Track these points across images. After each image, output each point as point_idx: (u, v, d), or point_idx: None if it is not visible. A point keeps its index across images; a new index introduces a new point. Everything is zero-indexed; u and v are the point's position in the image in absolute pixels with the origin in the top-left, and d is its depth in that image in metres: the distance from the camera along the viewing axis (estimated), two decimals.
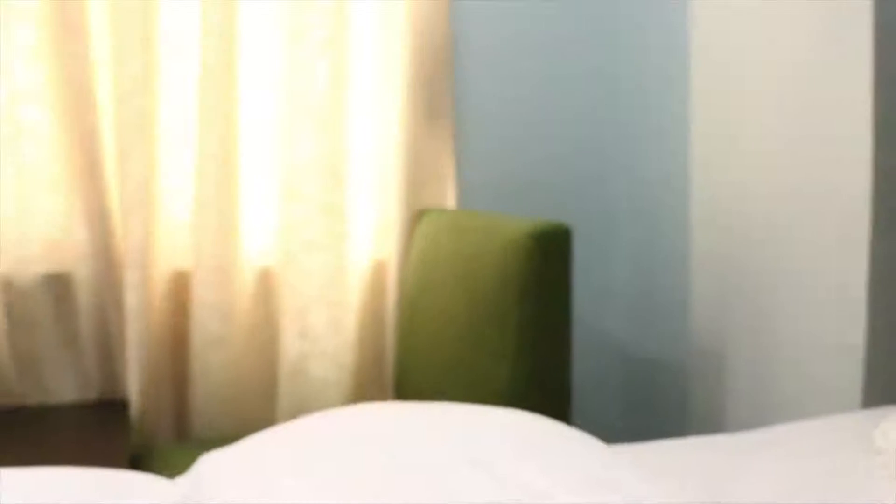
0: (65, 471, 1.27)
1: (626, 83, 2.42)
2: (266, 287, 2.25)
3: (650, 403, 2.33)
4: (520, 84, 2.41)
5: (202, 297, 2.17)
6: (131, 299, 2.13)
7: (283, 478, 1.08)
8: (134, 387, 2.14)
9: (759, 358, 1.96)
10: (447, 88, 2.30)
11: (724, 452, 1.37)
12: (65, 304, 2.20)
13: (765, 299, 1.94)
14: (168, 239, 2.23)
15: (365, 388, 2.25)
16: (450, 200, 2.30)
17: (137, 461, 1.99)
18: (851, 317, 1.68)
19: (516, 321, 1.78)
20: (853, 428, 1.40)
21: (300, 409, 2.14)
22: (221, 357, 2.19)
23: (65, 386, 2.20)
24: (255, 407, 2.22)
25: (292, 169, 2.21)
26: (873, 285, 1.66)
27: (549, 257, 1.77)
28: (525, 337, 1.78)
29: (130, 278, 2.13)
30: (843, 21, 1.72)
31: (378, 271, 2.28)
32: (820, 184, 1.78)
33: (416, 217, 2.25)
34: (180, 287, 2.23)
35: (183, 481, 1.24)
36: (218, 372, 2.20)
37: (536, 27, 2.40)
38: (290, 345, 2.20)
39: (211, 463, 1.19)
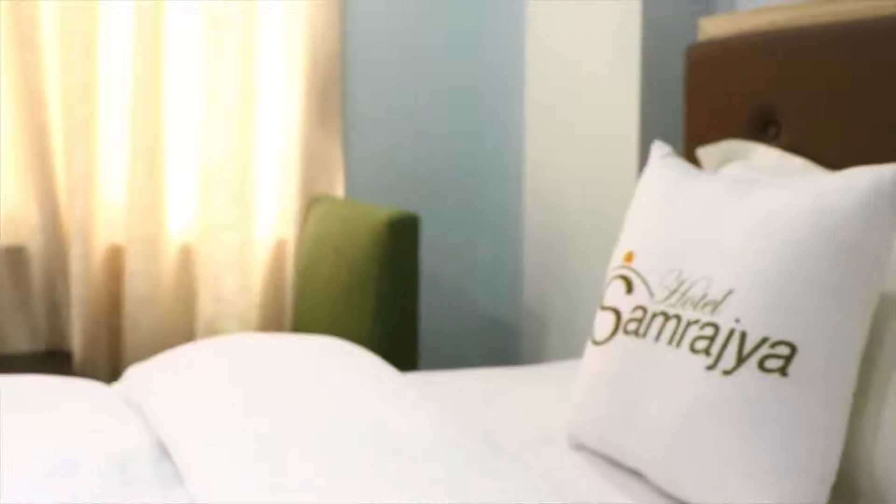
0: (24, 378, 1.63)
1: (484, 92, 2.86)
2: (186, 259, 2.65)
3: (491, 353, 2.84)
4: (399, 91, 2.81)
5: (133, 266, 2.55)
6: (75, 268, 2.50)
7: (190, 376, 1.51)
8: (76, 340, 2.52)
9: (573, 317, 2.48)
10: (337, 95, 2.70)
11: (500, 381, 1.88)
12: (20, 272, 2.54)
13: (579, 270, 2.46)
14: (106, 218, 2.58)
15: None
16: (339, 190, 2.71)
17: None
18: None
19: (376, 289, 2.27)
20: None
21: None
22: (149, 316, 2.58)
23: (19, 339, 2.55)
24: None
25: (209, 161, 2.60)
26: None
27: (400, 239, 2.24)
28: (382, 301, 2.27)
29: (74, 250, 2.50)
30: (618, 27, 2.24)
31: (279, 247, 2.69)
32: (618, 171, 2.30)
33: (310, 203, 2.67)
34: (115, 258, 2.60)
35: (117, 386, 1.68)
36: (146, 328, 2.58)
37: (412, 43, 2.80)
38: (206, 307, 2.61)
39: (137, 371, 1.66)
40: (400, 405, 1.37)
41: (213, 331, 2.64)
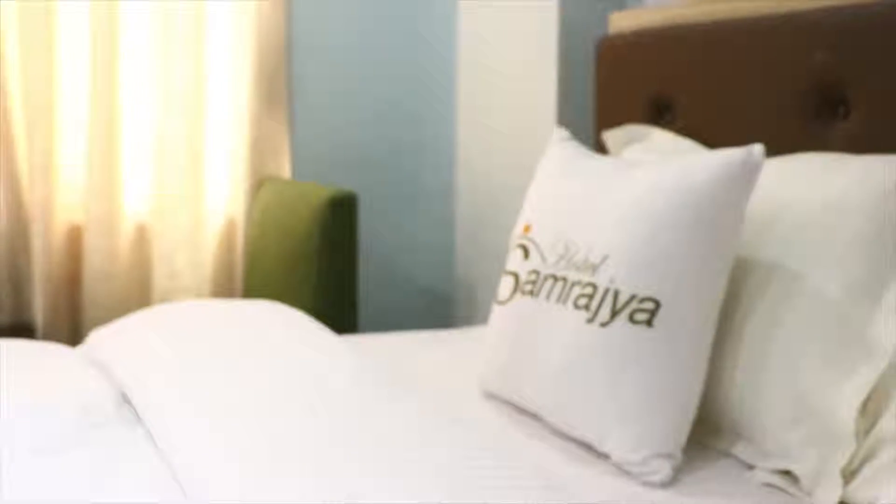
0: None
1: (419, 80, 3.06)
2: (142, 237, 2.81)
3: (425, 320, 3.05)
4: (343, 78, 3.00)
5: (92, 244, 2.71)
6: (37, 246, 2.66)
7: (149, 336, 1.68)
8: (39, 313, 2.69)
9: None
10: (283, 82, 2.89)
11: (428, 341, 2.10)
12: None
13: (505, 242, 2.68)
14: (66, 199, 2.73)
15: None
16: (285, 171, 2.91)
17: None
18: None
19: (319, 263, 2.48)
20: None
21: None
22: (107, 291, 2.75)
23: None
24: None
25: (163, 145, 2.77)
26: None
27: (340, 216, 2.45)
28: (325, 274, 2.47)
29: (36, 229, 2.66)
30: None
31: (229, 225, 2.88)
32: (538, 153, 2.50)
33: (259, 184, 2.87)
34: (75, 236, 2.76)
35: (80, 348, 1.87)
36: (104, 302, 2.75)
37: (354, 33, 2.99)
38: (160, 282, 2.80)
39: (98, 334, 1.86)
40: (333, 357, 1.58)
41: (166, 303, 2.80)
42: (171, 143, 2.80)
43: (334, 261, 2.48)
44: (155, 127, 2.80)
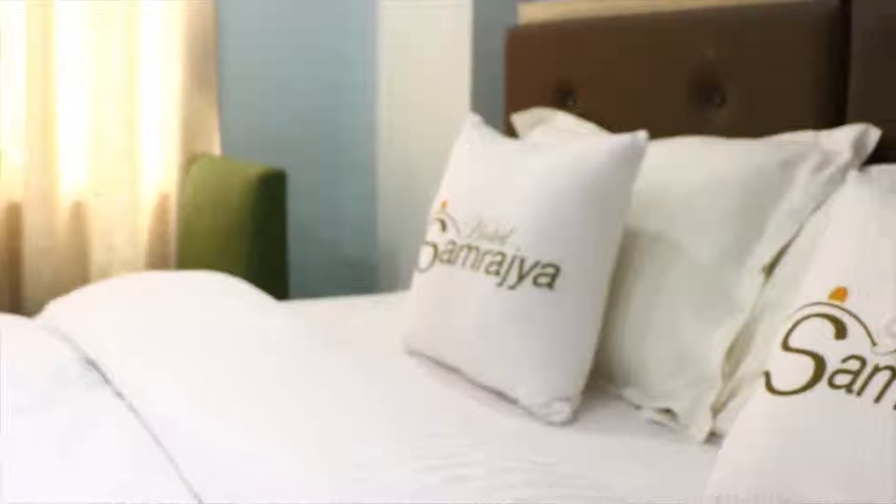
0: None
1: (343, 62, 3.25)
2: (80, 213, 2.96)
3: (352, 288, 3.25)
4: (270, 59, 3.18)
5: (32, 221, 2.86)
6: None
7: (107, 305, 1.85)
8: None
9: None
10: (213, 63, 3.06)
11: (355, 306, 2.31)
12: None
13: (424, 215, 2.89)
14: (5, 177, 2.86)
15: None
16: (215, 148, 3.08)
17: None
18: None
19: (250, 237, 2.67)
20: None
21: None
22: (47, 266, 2.90)
23: None
24: None
25: (98, 125, 2.92)
26: None
27: (270, 192, 2.64)
28: (256, 247, 2.66)
29: None
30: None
31: (163, 201, 3.04)
32: (454, 133, 2.73)
33: (190, 161, 3.03)
34: (14, 214, 2.90)
35: (38, 319, 2.03)
36: (45, 277, 2.90)
37: (280, 17, 3.16)
38: (98, 256, 2.96)
39: (57, 305, 2.02)
40: (275, 320, 1.78)
41: (105, 278, 2.95)
42: (105, 122, 2.95)
43: (265, 234, 2.67)
44: (90, 107, 2.95)
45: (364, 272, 3.27)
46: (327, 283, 3.22)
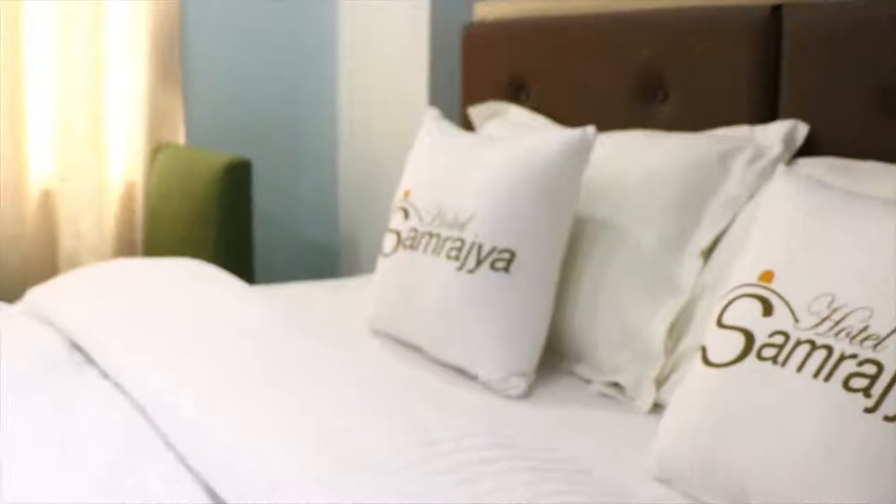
0: None
1: (305, 55, 3.34)
2: (49, 200, 3.03)
3: (314, 273, 3.37)
4: (234, 52, 3.27)
5: (2, 210, 2.90)
6: None
7: (89, 290, 1.95)
8: None
9: (380, 241, 3.04)
10: (178, 54, 3.13)
11: (321, 290, 2.43)
12: None
13: (384, 203, 3.02)
14: None
15: None
16: (180, 137, 3.16)
17: None
18: None
19: (216, 223, 2.76)
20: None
21: None
22: (16, 253, 2.96)
23: None
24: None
25: (67, 116, 2.98)
26: None
27: (236, 181, 2.74)
28: (221, 234, 2.76)
29: None
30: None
31: (130, 189, 3.12)
32: (412, 124, 2.85)
33: (156, 150, 3.11)
34: None
35: (18, 305, 2.11)
36: (13, 264, 2.96)
37: (245, 11, 3.25)
38: (67, 242, 3.03)
39: (35, 293, 2.11)
40: (249, 303, 1.89)
41: (73, 264, 3.05)
42: (73, 112, 3.02)
43: (230, 222, 2.77)
44: (58, 97, 3.01)
45: (325, 257, 3.39)
46: (290, 267, 3.32)
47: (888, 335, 1.16)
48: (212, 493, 1.26)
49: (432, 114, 2.11)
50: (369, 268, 3.09)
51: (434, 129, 2.06)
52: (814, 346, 1.22)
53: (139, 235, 3.16)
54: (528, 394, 1.75)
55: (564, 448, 1.42)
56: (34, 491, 1.28)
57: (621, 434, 1.58)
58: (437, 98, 2.75)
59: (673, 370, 1.68)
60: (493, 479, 1.11)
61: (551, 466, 1.23)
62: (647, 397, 1.68)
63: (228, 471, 1.23)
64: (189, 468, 1.32)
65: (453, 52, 2.72)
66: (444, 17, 2.75)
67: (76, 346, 1.81)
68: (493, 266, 1.77)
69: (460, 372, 1.82)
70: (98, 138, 3.06)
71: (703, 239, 1.75)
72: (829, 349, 1.20)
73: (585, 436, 1.56)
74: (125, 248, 3.15)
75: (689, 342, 1.67)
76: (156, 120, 3.14)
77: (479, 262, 1.78)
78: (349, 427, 1.25)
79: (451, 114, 2.41)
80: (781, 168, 1.49)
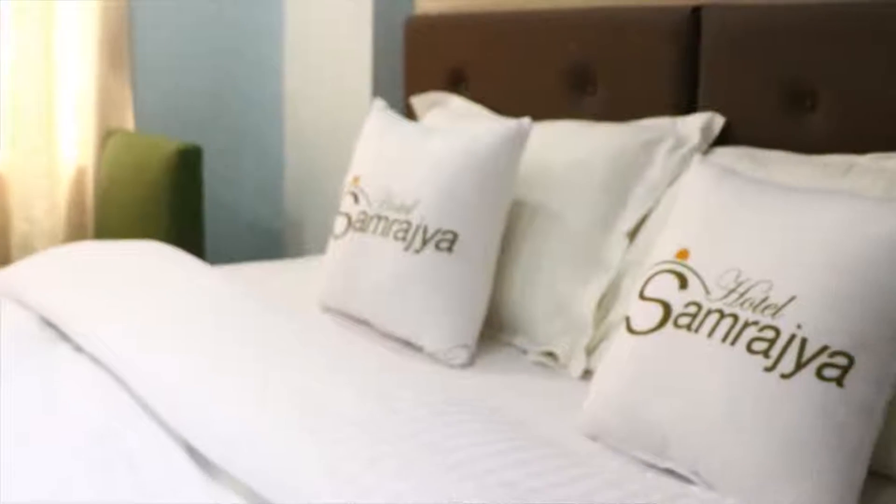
0: None
1: (251, 43, 3.47)
2: (1, 187, 3.11)
3: (261, 254, 3.50)
4: (181, 40, 3.37)
5: None
6: None
7: (55, 272, 2.06)
8: None
9: (324, 224, 3.17)
10: (126, 43, 3.24)
11: (270, 269, 2.57)
12: None
13: (327, 188, 3.17)
14: None
15: None
16: (129, 124, 3.26)
17: None
18: None
19: (168, 208, 2.88)
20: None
21: None
22: None
23: None
24: None
25: (17, 101, 3.07)
26: None
27: (187, 167, 2.86)
28: (173, 217, 2.88)
29: None
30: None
31: (81, 173, 3.22)
32: (356, 112, 3.00)
33: (106, 136, 3.21)
34: None
35: None
36: None
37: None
38: (19, 226, 3.12)
39: (1, 274, 2.23)
40: (213, 280, 2.02)
41: (26, 247, 3.15)
42: (24, 99, 3.11)
43: (182, 206, 2.89)
44: (9, 85, 3.10)
45: (271, 240, 3.52)
46: (237, 250, 3.45)
47: (784, 304, 1.34)
48: (191, 451, 1.40)
49: (379, 105, 2.26)
50: (313, 249, 3.24)
51: (381, 120, 2.21)
52: (722, 314, 1.40)
53: (90, 220, 3.26)
54: (470, 363, 1.91)
55: (505, 409, 1.58)
56: (23, 456, 1.40)
57: (555, 397, 1.75)
58: (380, 88, 2.90)
59: (602, 340, 1.86)
60: (446, 429, 1.28)
61: (496, 420, 1.39)
62: (578, 364, 1.86)
63: (207, 428, 1.38)
64: (168, 430, 1.46)
65: (396, 44, 2.86)
66: (387, 10, 2.89)
67: (47, 324, 1.94)
68: (437, 246, 1.93)
69: (407, 344, 1.98)
70: (49, 124, 3.15)
71: (628, 220, 1.93)
72: (735, 317, 1.38)
73: (523, 399, 1.73)
74: (77, 232, 3.25)
75: (616, 314, 1.84)
76: (105, 106, 3.24)
77: (424, 243, 1.94)
78: (314, 387, 1.41)
79: (394, 103, 2.55)
80: (697, 157, 1.66)
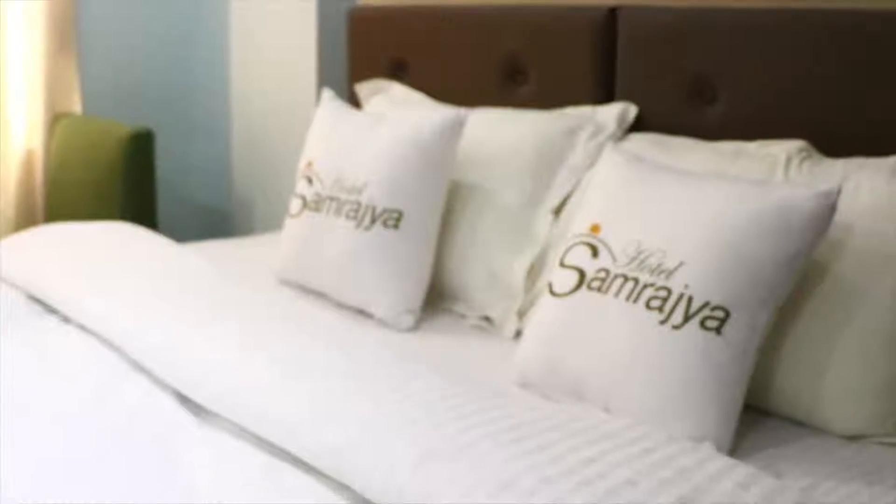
0: None
1: (199, 29, 3.85)
2: None
3: (211, 232, 3.86)
4: (128, 23, 3.71)
5: None
6: None
7: (35, 252, 2.41)
8: None
9: (272, 202, 3.57)
10: (73, 28, 3.54)
11: (225, 248, 2.95)
12: None
13: (274, 170, 3.55)
14: None
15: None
16: (77, 107, 3.59)
17: None
18: None
19: (121, 191, 3.23)
20: None
21: None
22: None
23: None
24: None
25: None
26: None
27: (139, 150, 3.22)
28: (126, 201, 3.24)
29: None
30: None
31: (30, 157, 3.54)
32: (303, 97, 3.38)
33: (55, 119, 3.53)
34: None
35: None
36: None
37: None
38: None
39: None
40: (183, 256, 2.40)
41: None
42: None
43: (134, 190, 3.24)
44: None
45: (220, 219, 3.90)
46: (187, 229, 3.81)
47: (675, 269, 1.76)
48: (184, 400, 1.79)
49: (328, 94, 2.65)
50: (261, 228, 3.62)
51: (331, 109, 2.60)
52: (626, 278, 1.82)
53: (40, 203, 3.59)
54: (416, 328, 2.32)
55: (450, 365, 1.97)
56: (27, 413, 1.74)
57: (492, 355, 2.15)
58: (325, 75, 3.29)
59: (531, 305, 2.27)
60: (403, 374, 1.69)
61: (443, 373, 1.79)
62: (510, 326, 2.27)
63: (198, 382, 1.77)
64: (162, 385, 1.85)
65: (340, 33, 3.25)
66: (331, 1, 3.28)
67: (32, 299, 2.30)
68: (384, 224, 2.33)
69: (360, 312, 2.38)
70: None
71: (553, 199, 2.35)
72: (636, 280, 1.80)
73: (464, 357, 2.14)
74: (27, 215, 3.58)
75: (543, 282, 2.26)
76: (53, 89, 3.55)
77: (373, 221, 2.34)
78: (288, 342, 1.81)
79: (339, 90, 2.92)
80: (609, 145, 2.09)
